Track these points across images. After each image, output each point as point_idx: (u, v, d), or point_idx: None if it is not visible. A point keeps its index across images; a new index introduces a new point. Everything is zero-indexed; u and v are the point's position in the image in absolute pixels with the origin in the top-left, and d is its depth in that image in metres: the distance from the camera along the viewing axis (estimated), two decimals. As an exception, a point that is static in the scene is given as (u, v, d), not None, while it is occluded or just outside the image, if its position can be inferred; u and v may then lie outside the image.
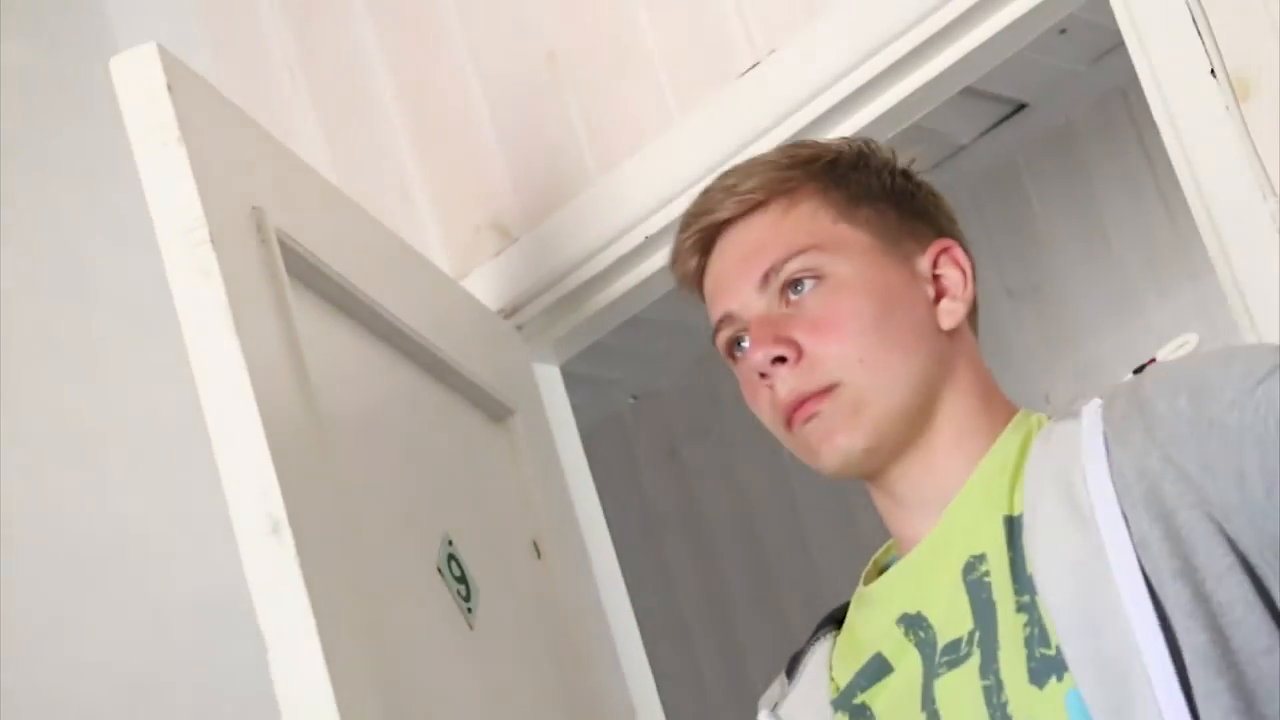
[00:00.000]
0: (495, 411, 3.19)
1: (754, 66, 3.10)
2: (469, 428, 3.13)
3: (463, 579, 2.81)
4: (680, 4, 3.27)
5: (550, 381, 3.44)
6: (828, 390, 2.15)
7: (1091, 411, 2.06)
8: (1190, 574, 1.93)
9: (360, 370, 2.79)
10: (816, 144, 2.44)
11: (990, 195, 5.31)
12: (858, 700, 2.26)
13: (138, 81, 2.42)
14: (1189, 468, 1.94)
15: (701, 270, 2.32)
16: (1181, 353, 2.36)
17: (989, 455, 2.20)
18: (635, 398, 5.77)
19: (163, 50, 2.43)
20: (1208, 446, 1.93)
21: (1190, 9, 2.72)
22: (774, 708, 2.40)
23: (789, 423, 2.18)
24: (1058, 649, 2.02)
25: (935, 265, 2.28)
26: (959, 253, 2.28)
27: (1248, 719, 1.86)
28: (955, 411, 2.25)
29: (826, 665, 2.34)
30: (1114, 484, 1.99)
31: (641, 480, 5.50)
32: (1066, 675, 2.00)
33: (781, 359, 2.14)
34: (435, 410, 3.04)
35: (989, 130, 5.16)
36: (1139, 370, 2.21)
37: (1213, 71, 2.68)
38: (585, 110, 3.37)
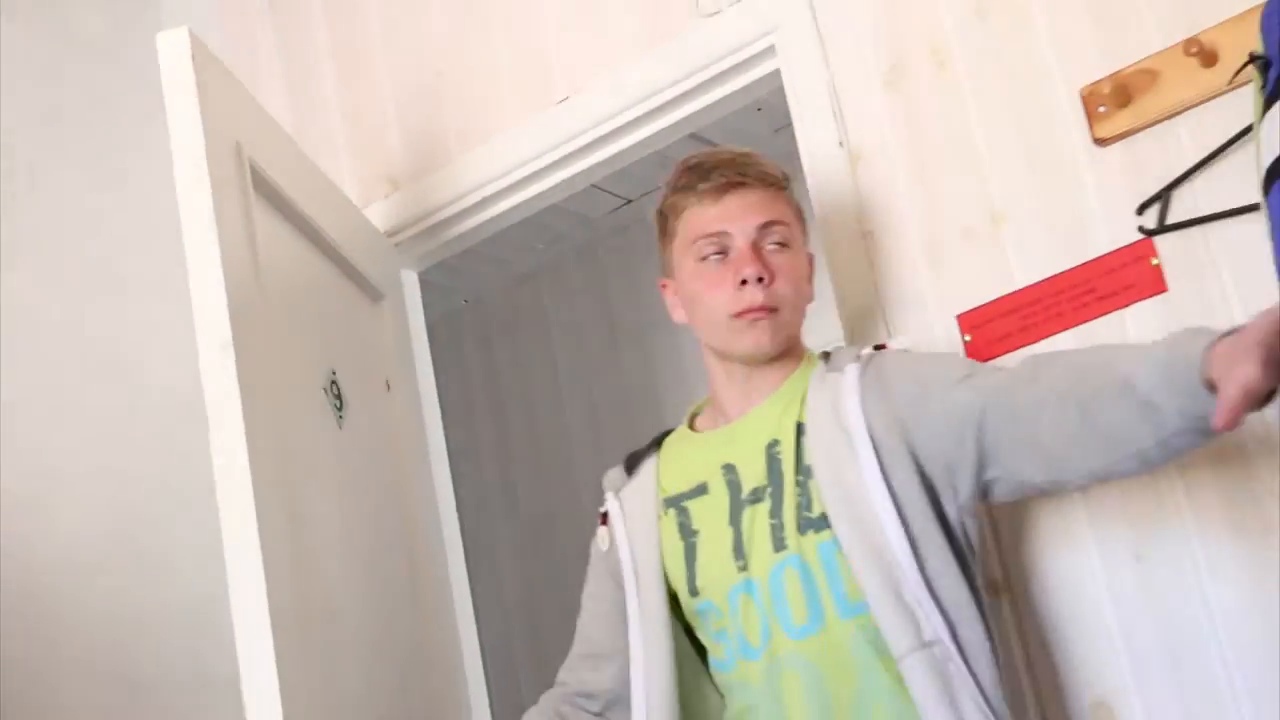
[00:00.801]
0: (373, 295, 3.21)
1: (565, 99, 3.12)
2: (355, 303, 3.13)
3: (339, 397, 2.84)
4: (526, 53, 3.23)
5: (410, 282, 3.46)
6: (774, 310, 2.24)
7: (851, 371, 2.23)
8: (907, 466, 2.15)
9: (291, 256, 2.79)
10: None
11: None
12: (683, 505, 2.34)
13: (173, 50, 2.46)
14: (907, 422, 2.16)
15: (695, 197, 2.33)
16: (902, 344, 2.47)
17: (790, 379, 2.32)
18: (466, 301, 5.63)
19: (191, 33, 2.47)
20: (919, 415, 2.15)
21: (831, 104, 2.76)
22: (617, 491, 2.47)
23: (740, 314, 2.24)
24: (820, 515, 2.17)
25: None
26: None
27: (948, 545, 2.10)
28: (793, 345, 2.34)
29: (654, 474, 2.41)
30: (864, 416, 2.17)
31: (463, 355, 5.44)
32: (824, 532, 2.17)
33: (760, 279, 2.22)
34: (336, 289, 3.04)
35: None
36: (878, 347, 2.32)
37: (840, 144, 2.74)
38: (455, 111, 3.35)
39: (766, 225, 2.28)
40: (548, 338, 5.65)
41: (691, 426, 2.47)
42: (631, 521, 2.41)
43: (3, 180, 3.38)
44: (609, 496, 2.47)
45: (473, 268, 5.25)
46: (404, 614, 2.95)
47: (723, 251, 2.28)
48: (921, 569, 2.10)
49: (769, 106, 3.01)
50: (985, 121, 2.58)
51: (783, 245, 2.29)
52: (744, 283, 2.24)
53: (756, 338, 2.26)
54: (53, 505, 3.19)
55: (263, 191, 2.65)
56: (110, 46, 3.71)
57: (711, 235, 2.29)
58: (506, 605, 5.10)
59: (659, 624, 2.31)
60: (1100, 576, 2.35)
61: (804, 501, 2.20)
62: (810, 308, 2.38)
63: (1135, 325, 2.37)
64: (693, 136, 4.07)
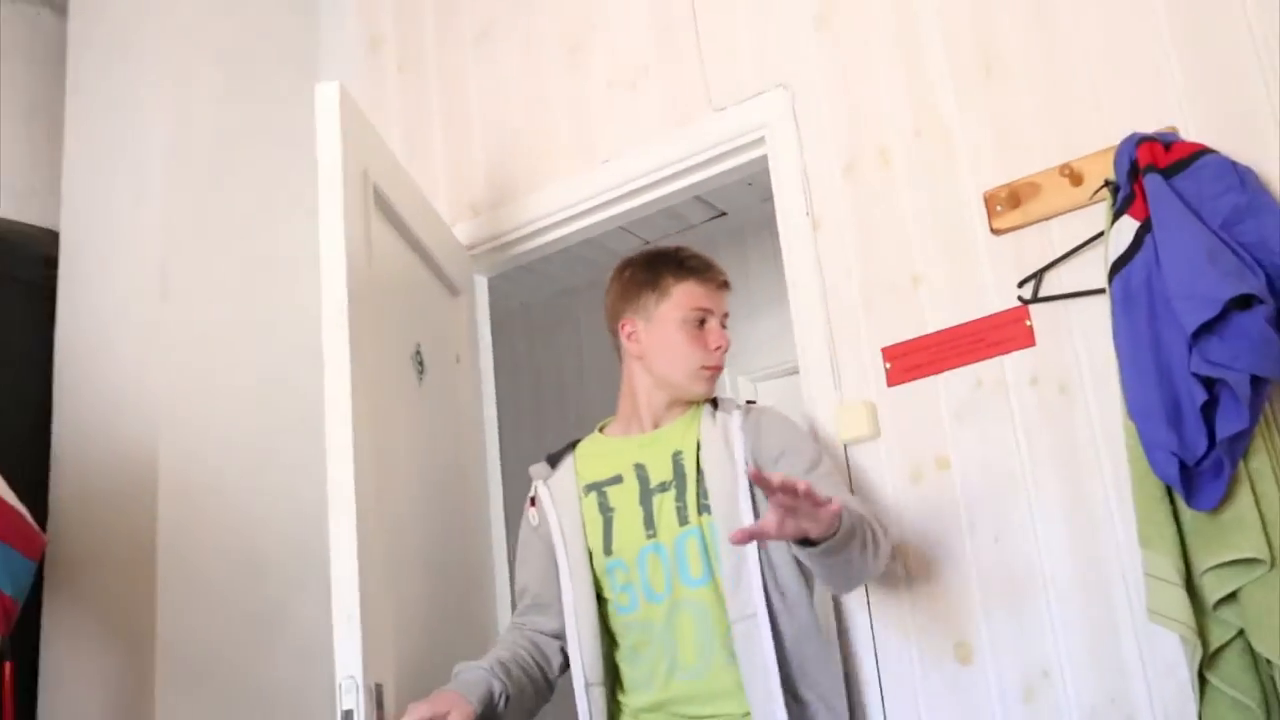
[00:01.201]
0: (452, 290, 3.18)
1: (606, 161, 3.10)
2: (439, 295, 3.12)
3: (421, 363, 2.85)
4: (580, 125, 3.19)
5: (480, 284, 3.41)
6: (720, 368, 2.51)
7: (737, 415, 2.42)
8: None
9: (395, 254, 2.79)
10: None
11: (720, 250, 4.82)
12: (603, 489, 2.48)
13: (327, 98, 2.51)
14: (766, 466, 2.34)
15: (699, 278, 2.52)
16: (769, 402, 2.68)
17: (689, 413, 2.50)
18: (519, 304, 5.66)
19: (341, 86, 2.52)
20: (782, 465, 2.34)
21: (803, 185, 2.76)
22: (544, 480, 2.56)
23: (706, 368, 2.47)
24: (708, 506, 2.35)
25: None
26: None
27: (790, 546, 2.19)
28: None
29: (573, 468, 2.54)
30: (743, 447, 2.37)
31: (513, 346, 5.37)
32: (706, 516, 2.35)
33: (721, 350, 2.49)
34: (425, 283, 3.03)
35: (706, 221, 5.02)
36: (750, 403, 2.56)
37: (807, 214, 2.75)
38: (524, 162, 3.29)
39: (725, 315, 2.51)
40: (578, 340, 5.61)
41: (601, 432, 2.62)
42: (558, 503, 2.52)
43: (196, 183, 3.33)
44: (538, 485, 2.57)
45: (526, 280, 5.24)
46: (454, 537, 2.94)
47: (702, 322, 2.48)
48: (765, 559, 2.30)
49: (758, 182, 3.03)
50: (913, 208, 2.61)
51: (724, 329, 2.51)
52: (717, 349, 2.46)
53: (707, 386, 2.48)
54: (205, 423, 3.15)
55: (380, 206, 2.68)
56: (279, 89, 3.66)
57: (703, 309, 2.48)
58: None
59: (583, 575, 2.45)
60: (970, 553, 2.40)
61: (701, 492, 2.37)
62: (775, 333, 2.57)
63: (1011, 368, 2.42)
64: (697, 198, 4.23)
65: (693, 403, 2.51)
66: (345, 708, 2.12)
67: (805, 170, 2.78)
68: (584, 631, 2.41)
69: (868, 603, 2.51)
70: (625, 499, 2.45)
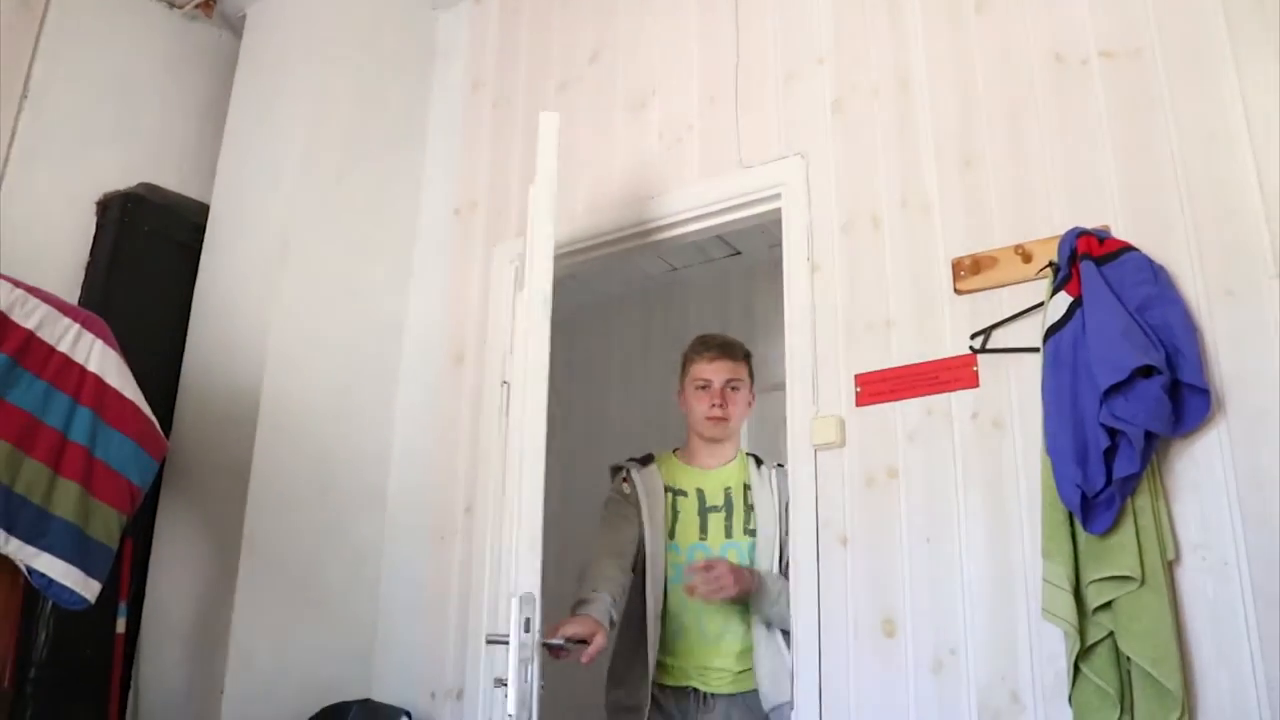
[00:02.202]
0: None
1: (651, 198, 3.06)
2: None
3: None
4: (634, 167, 3.16)
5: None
6: (724, 419, 2.85)
7: (775, 472, 2.82)
8: (785, 519, 2.66)
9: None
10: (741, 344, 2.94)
11: (732, 283, 5.05)
12: (674, 494, 2.81)
13: (549, 126, 2.54)
14: (784, 506, 2.72)
15: (699, 357, 2.88)
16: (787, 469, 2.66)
17: (735, 461, 2.88)
18: (563, 306, 5.43)
19: (556, 116, 2.54)
20: (791, 509, 2.58)
21: (807, 235, 2.76)
22: (637, 470, 2.84)
23: (709, 418, 2.83)
24: (754, 530, 2.75)
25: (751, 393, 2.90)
26: None
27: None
28: (733, 438, 2.91)
29: (658, 471, 2.85)
30: (779, 491, 2.78)
31: (554, 344, 5.27)
32: (750, 537, 2.74)
33: (716, 405, 2.82)
34: None
35: (724, 257, 4.90)
36: (780, 465, 2.81)
37: (807, 259, 2.74)
38: (587, 192, 3.24)
39: (729, 380, 2.79)
40: (608, 347, 5.53)
41: (675, 454, 2.94)
42: (648, 490, 2.77)
43: (320, 177, 3.37)
44: (632, 469, 2.85)
45: (571, 290, 4.95)
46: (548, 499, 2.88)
47: (706, 386, 2.85)
48: (777, 563, 2.73)
49: (768, 230, 3.02)
50: (893, 263, 2.61)
51: (735, 389, 2.80)
52: (713, 406, 2.83)
53: (713, 431, 2.85)
54: (301, 371, 3.19)
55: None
56: (396, 112, 3.69)
57: (703, 379, 2.87)
58: (551, 504, 4.94)
59: (660, 544, 2.75)
60: (906, 548, 2.40)
61: (749, 519, 2.71)
62: (769, 353, 2.61)
63: (956, 402, 2.42)
64: (719, 237, 4.18)
65: (737, 451, 2.89)
66: (527, 616, 2.15)
67: (810, 224, 2.78)
68: (655, 579, 2.70)
69: (817, 579, 2.52)
70: (688, 508, 2.80)
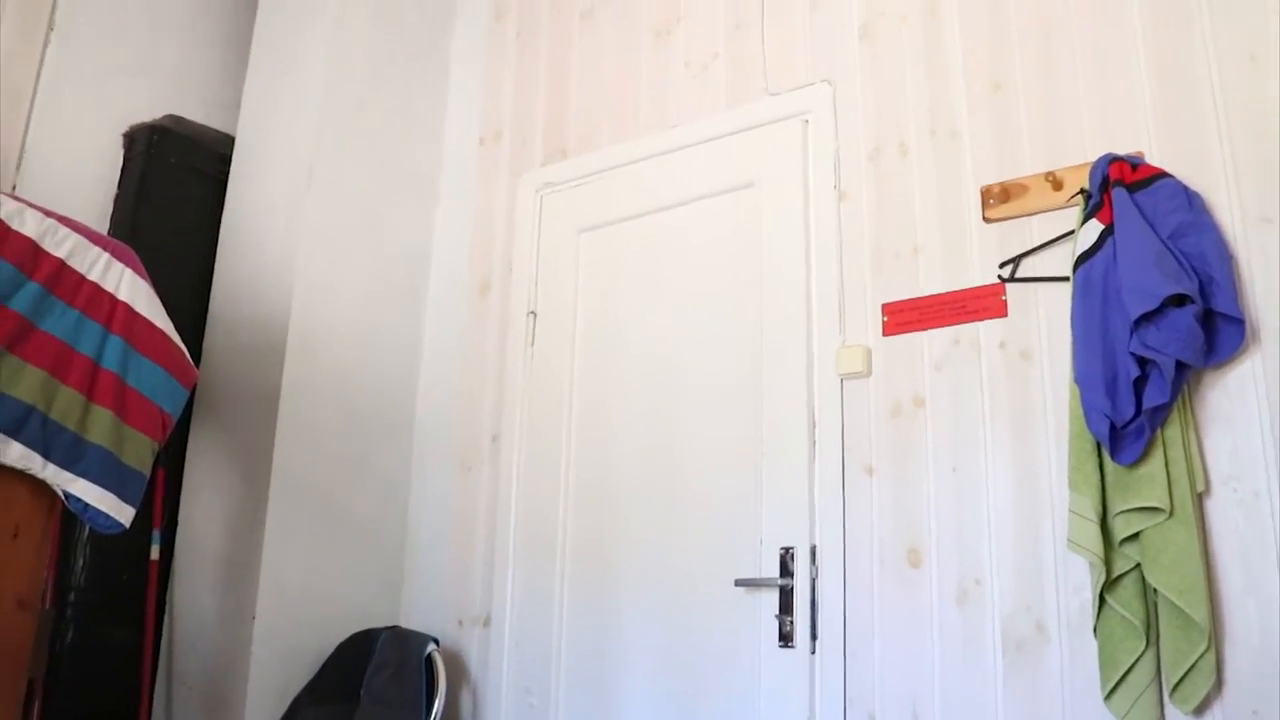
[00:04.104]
0: None
1: (675, 126, 3.02)
2: None
3: None
4: (658, 97, 3.09)
5: None
6: None
7: None
8: None
9: None
10: None
11: None
12: None
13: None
14: None
15: None
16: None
17: None
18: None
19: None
20: None
21: (834, 162, 2.70)
22: None
23: None
24: None
25: None
26: None
27: None
28: None
29: None
30: None
31: None
32: None
33: None
34: None
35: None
36: None
37: (835, 187, 2.68)
38: (612, 121, 3.20)
39: None
40: None
41: None
42: None
43: (342, 106, 3.32)
44: None
45: None
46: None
47: None
48: None
49: None
50: (921, 192, 2.57)
51: None
52: None
53: None
54: (327, 300, 3.17)
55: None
56: (417, 41, 3.62)
57: None
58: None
59: None
60: (932, 479, 2.37)
61: None
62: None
63: (984, 332, 2.38)
64: None
65: None
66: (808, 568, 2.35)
67: (837, 151, 2.75)
68: None
69: (843, 508, 2.49)
70: None
